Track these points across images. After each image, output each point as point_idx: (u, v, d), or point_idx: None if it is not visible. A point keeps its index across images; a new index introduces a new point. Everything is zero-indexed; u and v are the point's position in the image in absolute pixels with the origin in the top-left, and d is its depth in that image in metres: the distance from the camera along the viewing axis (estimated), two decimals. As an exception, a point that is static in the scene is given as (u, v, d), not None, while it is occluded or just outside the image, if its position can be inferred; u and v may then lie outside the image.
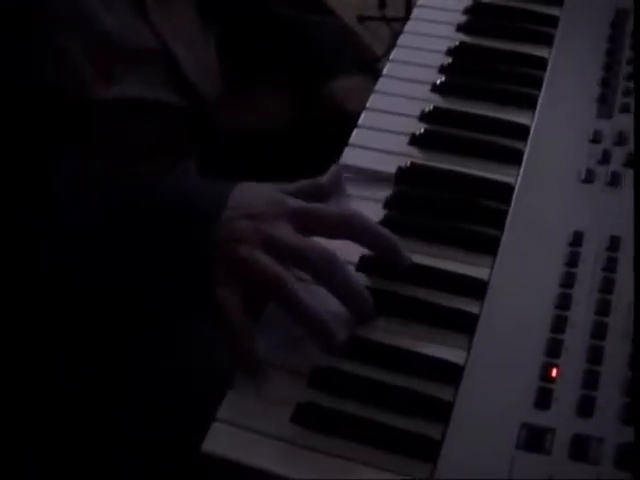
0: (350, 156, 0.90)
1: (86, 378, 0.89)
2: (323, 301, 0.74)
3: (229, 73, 1.10)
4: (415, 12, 1.09)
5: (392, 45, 1.06)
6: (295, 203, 0.77)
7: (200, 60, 1.03)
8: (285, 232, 0.75)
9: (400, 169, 0.88)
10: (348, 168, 0.88)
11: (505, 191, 0.85)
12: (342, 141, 0.92)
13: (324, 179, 0.85)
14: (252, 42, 1.18)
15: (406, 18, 1.11)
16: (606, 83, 0.95)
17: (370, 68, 1.17)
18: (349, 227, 0.77)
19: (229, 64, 1.11)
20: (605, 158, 0.86)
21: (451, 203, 0.85)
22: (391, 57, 1.02)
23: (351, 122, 0.94)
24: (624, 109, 0.92)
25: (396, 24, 2.63)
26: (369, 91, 0.99)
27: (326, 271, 0.74)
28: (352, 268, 0.78)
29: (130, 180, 0.83)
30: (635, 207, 0.81)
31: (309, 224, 0.76)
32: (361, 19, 2.73)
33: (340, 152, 0.90)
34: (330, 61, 1.16)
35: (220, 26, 1.12)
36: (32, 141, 0.85)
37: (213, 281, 0.74)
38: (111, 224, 0.79)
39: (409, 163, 0.88)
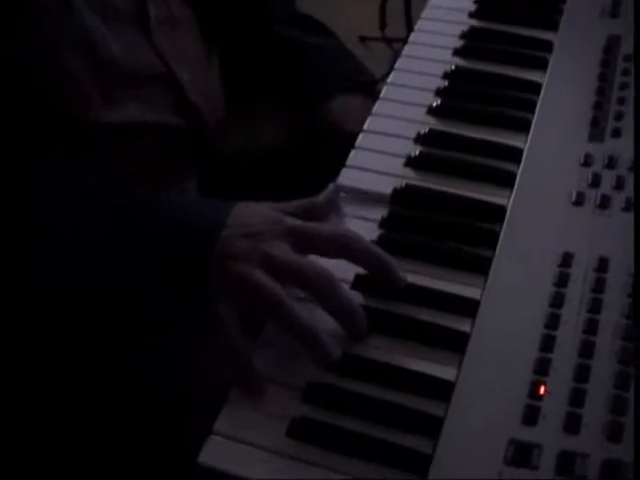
0: (347, 177, 0.91)
1: (84, 386, 0.89)
2: (318, 318, 0.76)
3: (229, 94, 1.12)
4: (413, 36, 1.11)
5: (392, 65, 1.08)
6: (292, 222, 0.79)
7: (204, 83, 1.05)
8: (282, 250, 0.76)
9: (396, 190, 0.90)
10: (345, 189, 0.90)
11: (498, 213, 0.87)
12: (340, 161, 0.93)
13: (321, 198, 0.86)
14: (252, 63, 1.19)
15: (406, 39, 1.13)
16: (598, 107, 0.97)
17: (369, 89, 1.18)
18: (345, 246, 0.79)
19: (229, 85, 1.13)
20: (595, 181, 0.88)
21: (445, 224, 0.86)
22: (389, 80, 1.04)
23: (350, 143, 0.96)
24: (615, 133, 0.94)
25: (397, 44, 2.66)
26: (368, 112, 1.00)
27: (322, 289, 0.75)
28: (347, 286, 0.80)
29: (129, 196, 0.84)
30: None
31: (306, 243, 0.78)
32: (362, 39, 2.76)
33: (339, 172, 0.92)
34: (329, 83, 1.18)
35: (221, 47, 1.14)
36: (31, 155, 0.86)
37: (211, 297, 0.75)
38: (108, 238, 0.80)
39: (404, 184, 0.90)
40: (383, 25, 2.83)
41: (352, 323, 0.76)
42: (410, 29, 1.15)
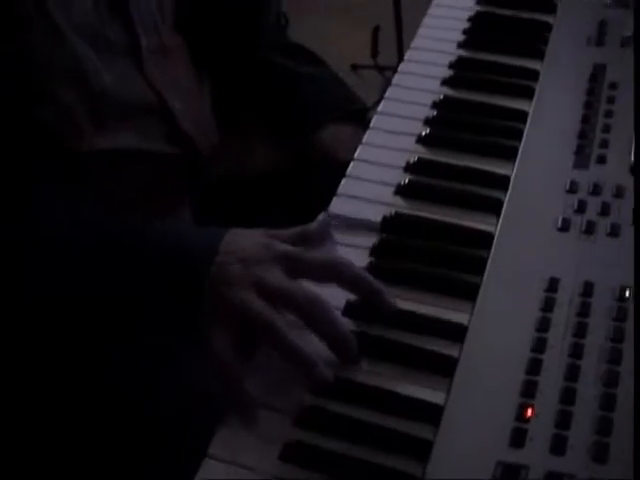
0: (338, 205, 0.93)
1: (83, 389, 0.90)
2: (309, 343, 0.77)
3: (222, 122, 1.14)
4: (402, 66, 1.14)
5: (383, 94, 1.10)
6: (284, 247, 0.81)
7: (196, 111, 1.06)
8: (275, 276, 0.78)
9: (385, 218, 0.91)
10: (336, 217, 0.91)
11: (485, 239, 0.88)
12: (332, 189, 0.95)
13: (313, 227, 0.87)
14: (245, 91, 1.21)
15: (398, 66, 1.15)
16: (583, 135, 0.99)
17: (360, 117, 1.20)
18: (336, 272, 0.80)
19: (222, 113, 1.15)
20: (581, 208, 0.90)
21: (434, 250, 0.88)
22: (379, 109, 1.06)
23: (341, 171, 0.98)
24: (600, 160, 0.96)
25: (389, 72, 2.70)
26: (359, 140, 1.02)
27: (313, 314, 0.77)
28: (338, 313, 0.81)
29: (122, 224, 0.85)
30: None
31: (298, 268, 0.80)
32: (354, 67, 2.80)
33: (330, 200, 0.94)
34: (320, 112, 1.19)
35: (214, 75, 1.15)
36: (26, 177, 0.88)
37: (205, 322, 0.77)
38: (101, 266, 0.81)
39: (394, 212, 0.92)
40: (375, 53, 2.86)
41: (343, 347, 0.78)
42: (402, 57, 1.17)
